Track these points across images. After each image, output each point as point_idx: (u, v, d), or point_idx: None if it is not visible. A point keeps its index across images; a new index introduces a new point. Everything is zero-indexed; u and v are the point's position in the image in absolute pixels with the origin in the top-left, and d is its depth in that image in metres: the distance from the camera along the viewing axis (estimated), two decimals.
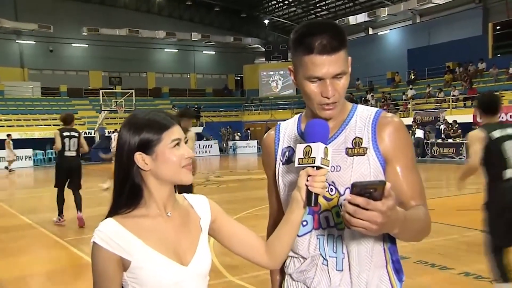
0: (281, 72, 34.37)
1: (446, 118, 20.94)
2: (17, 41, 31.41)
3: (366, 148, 1.37)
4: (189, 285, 1.28)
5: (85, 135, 23.78)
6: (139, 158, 1.25)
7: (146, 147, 1.25)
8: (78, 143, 7.67)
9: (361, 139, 1.38)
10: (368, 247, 1.37)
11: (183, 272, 1.27)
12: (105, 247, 1.21)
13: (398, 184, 1.34)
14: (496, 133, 3.57)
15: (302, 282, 1.46)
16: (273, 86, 35.48)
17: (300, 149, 1.25)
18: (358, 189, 1.09)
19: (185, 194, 1.43)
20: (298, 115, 1.55)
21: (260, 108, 33.47)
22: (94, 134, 25.49)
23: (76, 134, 7.72)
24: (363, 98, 27.64)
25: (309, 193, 1.24)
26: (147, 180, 1.28)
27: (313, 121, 1.27)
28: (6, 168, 20.32)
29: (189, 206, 1.40)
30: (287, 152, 1.48)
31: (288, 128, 1.53)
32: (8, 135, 20.79)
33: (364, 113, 1.42)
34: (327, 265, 1.39)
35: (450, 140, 19.54)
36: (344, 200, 1.14)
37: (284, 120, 1.58)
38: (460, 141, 18.72)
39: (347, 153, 1.38)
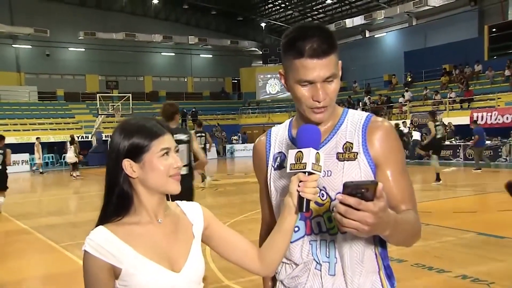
0: (278, 75, 34.29)
1: (443, 120, 21.00)
2: (13, 45, 31.36)
3: (357, 153, 1.36)
4: None
5: (82, 139, 23.83)
6: (127, 165, 1.25)
7: (135, 154, 1.25)
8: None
9: (352, 144, 1.38)
10: (361, 252, 1.37)
11: (175, 278, 1.26)
12: (95, 255, 1.20)
13: (389, 188, 1.33)
14: None
15: None
16: (270, 89, 35.51)
17: (291, 154, 1.24)
18: (350, 189, 1.08)
19: (178, 201, 1.42)
20: (289, 120, 1.54)
21: (257, 111, 33.49)
22: (91, 138, 25.45)
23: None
24: (360, 102, 27.69)
25: (300, 198, 1.23)
26: (136, 187, 1.27)
27: (305, 127, 1.27)
28: (34, 171, 21.05)
29: (181, 213, 1.39)
30: (278, 158, 1.48)
31: (279, 133, 1.52)
32: (37, 138, 21.19)
33: (355, 118, 1.42)
34: (320, 270, 1.38)
35: (447, 142, 19.58)
36: (335, 200, 1.12)
37: (281, 123, 1.57)
38: (457, 143, 18.76)
39: (338, 158, 1.38)
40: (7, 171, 9.81)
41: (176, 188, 1.29)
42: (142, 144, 1.25)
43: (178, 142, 4.71)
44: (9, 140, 23.24)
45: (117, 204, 1.26)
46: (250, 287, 4.45)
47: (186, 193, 4.68)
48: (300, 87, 1.32)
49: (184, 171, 4.66)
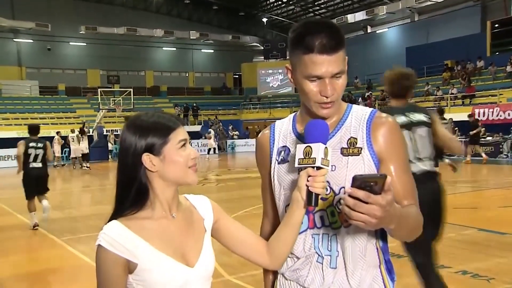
0: (280, 71, 34.33)
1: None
2: (14, 39, 31.32)
3: (361, 148, 1.38)
4: (194, 287, 1.28)
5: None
6: (147, 159, 1.25)
7: (154, 149, 1.25)
8: None
9: (356, 139, 1.39)
10: (362, 246, 1.38)
11: (189, 274, 1.26)
12: (111, 250, 1.20)
13: (392, 183, 1.34)
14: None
15: (295, 281, 1.46)
16: (271, 84, 35.46)
17: (300, 149, 1.26)
18: (359, 182, 1.09)
19: (186, 195, 1.43)
20: (293, 114, 1.55)
21: (258, 106, 33.46)
22: (93, 132, 25.45)
23: None
24: (364, 95, 27.62)
25: (309, 193, 1.25)
26: (153, 181, 1.27)
27: (314, 122, 1.29)
28: (55, 166, 20.58)
29: (191, 206, 1.40)
30: (282, 152, 1.49)
31: (283, 127, 1.53)
32: (58, 133, 20.99)
33: (359, 113, 1.44)
34: (322, 263, 1.40)
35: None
36: (343, 194, 1.15)
37: (283, 118, 1.58)
38: (458, 139, 18.72)
39: (342, 153, 1.39)
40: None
41: (194, 179, 1.30)
42: (160, 140, 1.25)
43: (415, 124, 3.29)
44: (10, 134, 23.33)
45: (134, 198, 1.26)
46: (250, 282, 4.47)
47: (434, 199, 3.51)
48: (309, 82, 1.33)
49: (426, 166, 3.35)
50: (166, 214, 1.29)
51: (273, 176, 1.49)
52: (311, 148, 1.24)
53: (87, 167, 17.80)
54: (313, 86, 1.33)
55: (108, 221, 1.26)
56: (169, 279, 1.23)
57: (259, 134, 1.60)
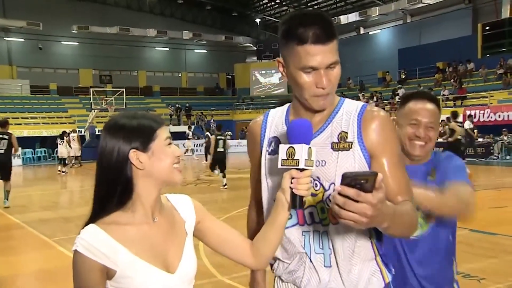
0: (273, 71, 34.31)
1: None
2: (5, 38, 31.04)
3: (351, 143, 1.35)
4: None
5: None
6: (134, 156, 1.21)
7: (141, 145, 1.22)
8: None
9: (347, 133, 1.36)
10: (355, 242, 1.36)
11: (170, 280, 1.24)
12: (88, 255, 1.15)
13: (385, 179, 1.30)
14: None
15: (292, 283, 1.44)
16: (264, 85, 35.46)
17: (283, 150, 1.22)
18: (349, 180, 1.05)
19: (167, 195, 1.39)
20: (288, 104, 1.50)
21: (251, 107, 33.43)
22: (85, 132, 25.32)
23: None
24: (358, 97, 27.72)
25: (293, 195, 1.22)
26: (138, 181, 1.23)
27: (296, 121, 1.25)
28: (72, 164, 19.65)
29: (173, 208, 1.35)
30: (272, 143, 1.46)
31: (276, 117, 1.50)
32: (74, 131, 20.20)
33: (351, 107, 1.41)
34: (315, 262, 1.38)
35: (440, 139, 19.67)
36: (334, 191, 1.13)
37: (278, 107, 1.54)
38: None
39: (332, 148, 1.36)
40: None
41: (180, 178, 1.27)
42: (146, 138, 1.22)
43: None
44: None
45: (119, 199, 1.21)
46: (243, 283, 4.45)
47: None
48: (303, 74, 1.30)
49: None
50: (148, 219, 1.25)
51: (263, 166, 1.46)
52: (294, 149, 1.19)
53: (63, 171, 17.21)
54: (308, 78, 1.29)
55: (85, 225, 1.21)
56: (149, 286, 1.19)
57: (252, 121, 1.56)
